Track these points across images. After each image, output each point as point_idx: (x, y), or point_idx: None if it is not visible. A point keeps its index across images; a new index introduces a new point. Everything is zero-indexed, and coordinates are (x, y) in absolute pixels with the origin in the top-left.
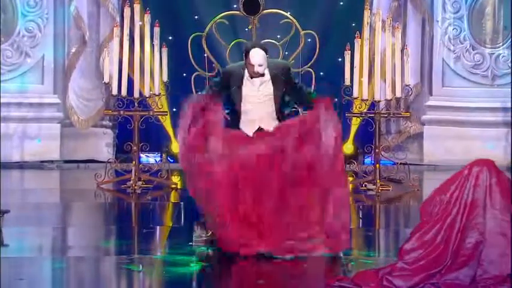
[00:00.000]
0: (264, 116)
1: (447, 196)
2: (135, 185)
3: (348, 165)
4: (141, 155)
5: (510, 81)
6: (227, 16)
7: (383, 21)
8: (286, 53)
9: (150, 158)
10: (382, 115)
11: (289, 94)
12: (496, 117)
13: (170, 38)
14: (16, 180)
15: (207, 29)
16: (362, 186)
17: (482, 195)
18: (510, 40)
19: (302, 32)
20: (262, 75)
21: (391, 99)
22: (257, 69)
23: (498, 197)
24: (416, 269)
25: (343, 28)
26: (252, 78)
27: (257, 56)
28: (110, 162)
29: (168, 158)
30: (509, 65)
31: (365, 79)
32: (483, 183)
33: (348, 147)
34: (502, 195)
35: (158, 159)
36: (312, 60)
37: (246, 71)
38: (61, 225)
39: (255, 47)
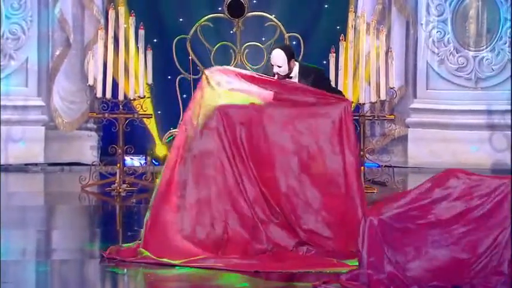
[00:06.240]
0: None
1: None
2: (120, 188)
3: None
4: (126, 157)
5: (494, 84)
6: (212, 19)
7: (367, 24)
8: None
9: (134, 161)
10: (366, 117)
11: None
12: (479, 119)
13: (155, 40)
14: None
15: (192, 31)
16: None
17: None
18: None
19: (286, 35)
20: (286, 77)
21: (376, 102)
22: (276, 69)
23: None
24: None
25: (328, 31)
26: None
27: (275, 56)
28: (94, 165)
29: (153, 161)
30: (496, 68)
31: (349, 81)
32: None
33: None
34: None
35: (143, 161)
36: None
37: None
38: (45, 228)
39: (276, 48)
